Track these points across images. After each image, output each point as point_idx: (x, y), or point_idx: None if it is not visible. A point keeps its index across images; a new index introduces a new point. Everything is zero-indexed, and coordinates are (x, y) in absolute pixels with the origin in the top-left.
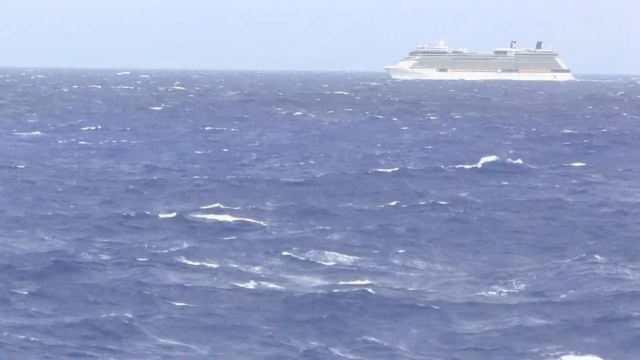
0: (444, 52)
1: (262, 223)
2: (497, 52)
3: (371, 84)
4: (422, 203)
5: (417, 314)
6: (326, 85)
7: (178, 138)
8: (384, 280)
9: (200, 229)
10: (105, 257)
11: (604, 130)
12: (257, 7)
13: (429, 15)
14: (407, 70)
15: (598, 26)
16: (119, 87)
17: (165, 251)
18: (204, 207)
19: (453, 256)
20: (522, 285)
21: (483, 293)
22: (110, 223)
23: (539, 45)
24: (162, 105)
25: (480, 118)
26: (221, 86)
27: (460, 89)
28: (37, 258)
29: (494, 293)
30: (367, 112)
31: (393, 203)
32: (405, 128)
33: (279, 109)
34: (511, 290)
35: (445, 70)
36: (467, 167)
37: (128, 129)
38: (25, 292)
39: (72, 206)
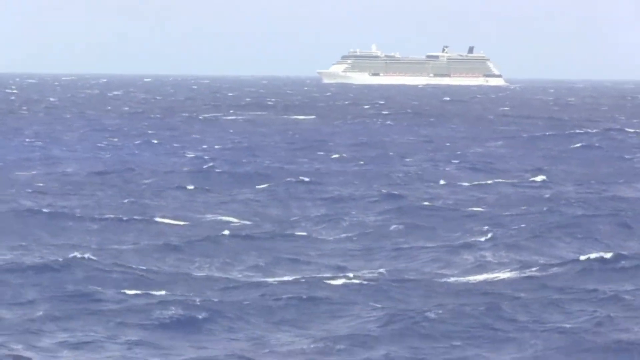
0: (377, 57)
1: None
2: (429, 57)
3: (304, 89)
4: None
5: None
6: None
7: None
8: None
9: None
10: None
11: None
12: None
13: (361, 20)
14: (339, 74)
15: (529, 31)
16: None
17: None
18: None
19: None
20: None
21: None
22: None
23: (470, 50)
24: None
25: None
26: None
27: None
28: None
29: None
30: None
31: None
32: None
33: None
34: None
35: (377, 74)
36: None
37: None
38: None
39: None
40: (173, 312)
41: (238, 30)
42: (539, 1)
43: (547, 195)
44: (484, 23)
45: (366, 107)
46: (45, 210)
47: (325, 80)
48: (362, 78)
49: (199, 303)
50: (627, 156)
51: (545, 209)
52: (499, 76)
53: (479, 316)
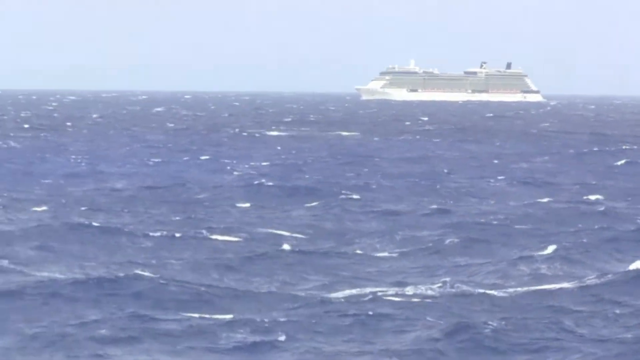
0: (415, 73)
1: None
2: (467, 73)
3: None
4: None
5: None
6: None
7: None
8: None
9: None
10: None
11: None
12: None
13: (400, 36)
14: (377, 91)
15: (567, 48)
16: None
17: None
18: None
19: None
20: None
21: None
22: None
23: (508, 65)
24: None
25: None
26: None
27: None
28: None
29: None
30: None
31: None
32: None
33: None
34: None
35: (415, 90)
36: None
37: None
38: None
39: None
40: (241, 334)
41: (277, 46)
42: (577, 18)
43: (600, 209)
44: (522, 38)
45: (408, 123)
46: (99, 225)
47: (364, 97)
48: (400, 94)
49: (267, 324)
50: None
51: (597, 224)
52: (537, 92)
53: (543, 329)
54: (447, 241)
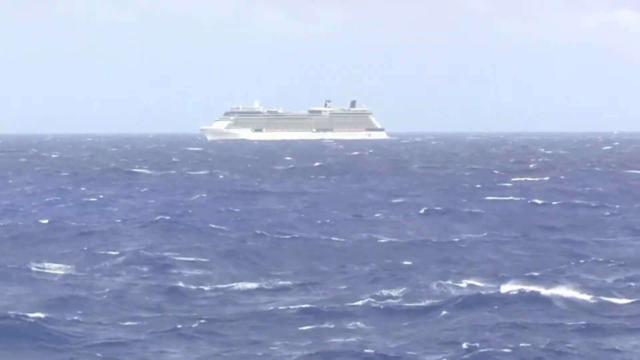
0: (259, 112)
1: None
2: (311, 112)
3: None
4: None
5: None
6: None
7: None
8: None
9: None
10: None
11: None
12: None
13: (243, 76)
14: (222, 131)
15: (409, 86)
16: None
17: None
18: None
19: None
20: None
21: None
22: None
23: (353, 104)
24: None
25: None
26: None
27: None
28: None
29: None
30: None
31: None
32: None
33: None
34: None
35: (260, 130)
36: None
37: None
38: None
39: None
40: None
41: (118, 90)
42: (423, 56)
43: None
44: (365, 77)
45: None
46: None
47: (209, 137)
48: (245, 134)
49: None
50: None
51: None
52: (382, 130)
53: None
54: None
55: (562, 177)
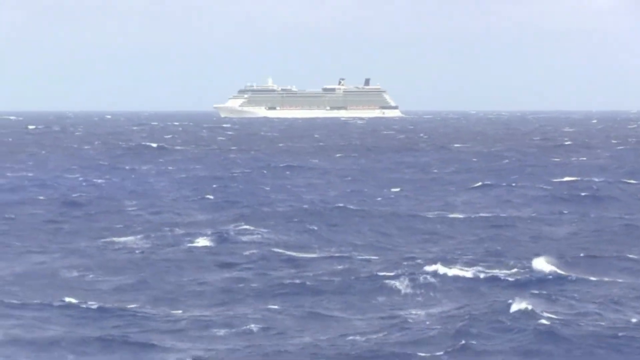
0: (273, 90)
1: None
2: (325, 90)
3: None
4: None
5: None
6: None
7: None
8: None
9: None
10: None
11: None
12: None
13: (257, 53)
14: (236, 109)
15: (423, 64)
16: None
17: None
18: None
19: None
20: None
21: None
22: None
23: (367, 82)
24: None
25: None
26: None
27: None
28: None
29: None
30: None
31: None
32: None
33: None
34: None
35: (274, 108)
36: None
37: None
38: None
39: None
40: None
41: (130, 61)
42: (437, 32)
43: None
44: (380, 54)
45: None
46: None
47: (223, 115)
48: (259, 112)
49: None
50: None
51: None
52: (396, 107)
53: None
54: None
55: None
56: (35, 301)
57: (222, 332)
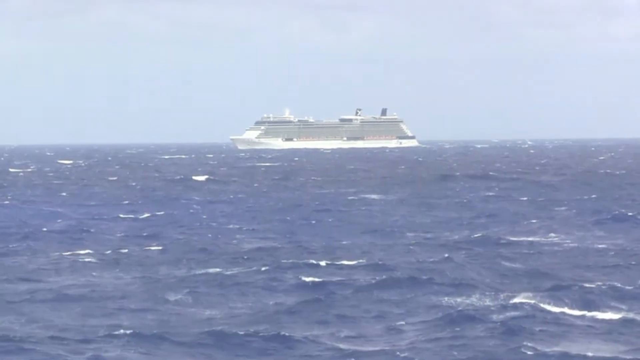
0: (290, 122)
1: None
2: (342, 120)
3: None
4: None
5: None
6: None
7: None
8: None
9: None
10: None
11: None
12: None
13: (274, 85)
14: (253, 140)
15: (440, 94)
16: None
17: None
18: None
19: None
20: None
21: None
22: None
23: (384, 112)
24: None
25: None
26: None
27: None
28: None
29: None
30: None
31: None
32: None
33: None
34: None
35: (291, 139)
36: None
37: None
38: None
39: None
40: None
41: (150, 95)
42: (453, 63)
43: None
44: (396, 85)
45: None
46: None
47: (239, 147)
48: (276, 143)
49: None
50: None
51: None
52: (413, 137)
53: None
54: None
55: None
56: None
57: None
